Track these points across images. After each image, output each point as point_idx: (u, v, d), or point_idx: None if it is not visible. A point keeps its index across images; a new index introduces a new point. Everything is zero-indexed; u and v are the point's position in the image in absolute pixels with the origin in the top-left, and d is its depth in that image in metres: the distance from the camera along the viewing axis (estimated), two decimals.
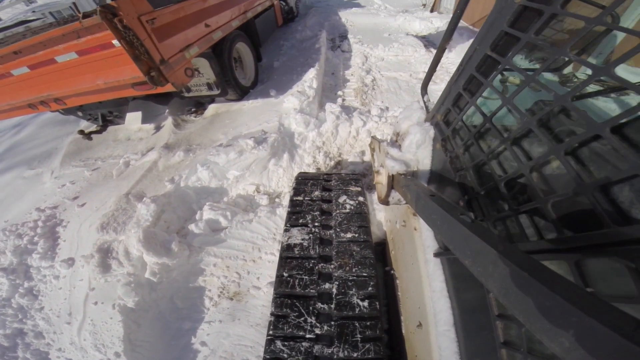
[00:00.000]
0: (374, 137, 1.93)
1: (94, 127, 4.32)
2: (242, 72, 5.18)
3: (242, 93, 5.01)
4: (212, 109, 5.12)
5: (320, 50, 5.86)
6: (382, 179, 1.62)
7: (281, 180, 3.89)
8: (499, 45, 1.07)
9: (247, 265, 2.95)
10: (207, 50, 3.82)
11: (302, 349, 1.37)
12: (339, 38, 7.30)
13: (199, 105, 5.36)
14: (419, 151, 1.58)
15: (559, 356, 0.43)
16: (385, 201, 1.66)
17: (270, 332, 1.45)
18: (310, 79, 4.68)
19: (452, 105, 1.38)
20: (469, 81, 1.25)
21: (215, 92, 4.54)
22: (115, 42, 2.55)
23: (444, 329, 1.22)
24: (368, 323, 1.43)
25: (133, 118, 5.00)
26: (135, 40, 2.50)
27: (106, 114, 4.21)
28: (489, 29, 1.10)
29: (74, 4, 2.52)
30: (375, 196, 2.74)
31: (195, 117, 5.18)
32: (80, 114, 4.22)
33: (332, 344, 1.40)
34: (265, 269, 2.92)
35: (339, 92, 4.98)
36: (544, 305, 0.47)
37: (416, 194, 1.13)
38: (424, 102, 1.72)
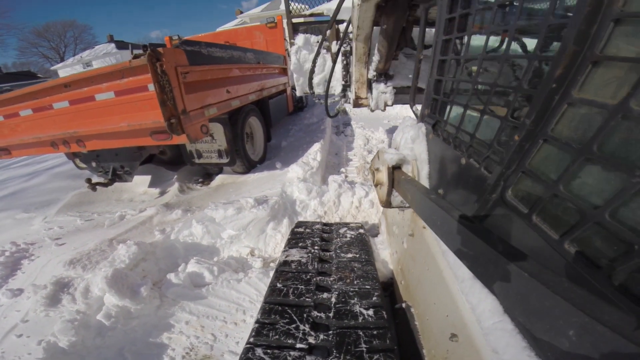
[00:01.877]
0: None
1: (102, 180, 4.41)
2: (251, 148, 5.57)
3: (250, 166, 5.26)
4: (219, 179, 5.30)
5: (325, 130, 6.43)
6: (382, 176, 1.57)
7: (278, 246, 3.64)
8: (448, 30, 1.33)
9: (226, 327, 2.48)
10: (223, 115, 4.23)
11: (289, 358, 1.11)
12: (343, 125, 8.04)
13: (207, 176, 5.58)
14: (415, 145, 1.59)
15: (559, 356, 0.44)
16: (387, 201, 1.55)
17: (251, 340, 1.24)
18: (314, 152, 4.99)
19: (434, 93, 1.50)
20: (439, 67, 1.43)
21: (225, 160, 4.78)
22: (150, 86, 2.89)
23: (493, 322, 0.88)
24: (375, 332, 1.23)
25: (141, 181, 5.16)
26: (167, 86, 2.85)
27: (117, 168, 4.35)
28: (439, 21, 1.36)
29: (131, 44, 2.97)
30: (378, 239, 2.54)
31: (201, 186, 5.31)
32: (94, 164, 4.38)
33: (329, 354, 1.15)
34: (247, 334, 2.41)
35: (342, 169, 5.21)
36: (544, 305, 0.47)
37: (417, 195, 1.12)
38: (414, 112, 1.86)
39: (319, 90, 3.55)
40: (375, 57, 2.29)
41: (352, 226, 2.33)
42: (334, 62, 3.08)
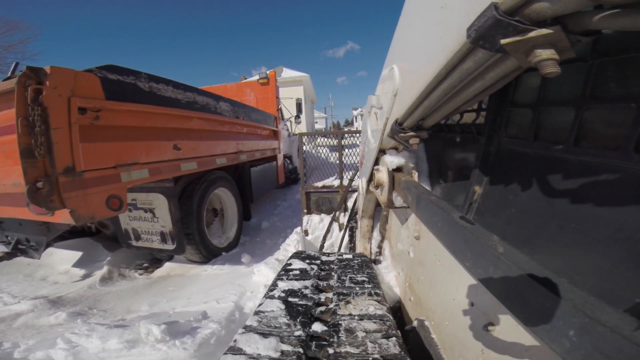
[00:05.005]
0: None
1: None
2: (219, 229, 4.30)
3: (209, 255, 3.94)
4: (166, 268, 4.00)
5: None
6: (382, 176, 1.58)
7: None
8: None
9: None
10: (168, 183, 3.13)
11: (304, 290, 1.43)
12: None
13: (155, 261, 4.28)
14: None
15: (559, 356, 0.44)
16: (389, 200, 1.53)
17: (282, 272, 1.60)
18: (294, 241, 3.64)
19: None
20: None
21: (170, 246, 3.51)
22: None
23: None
24: (368, 286, 1.50)
25: (67, 257, 4.00)
26: (39, 124, 1.84)
27: (22, 240, 3.28)
28: None
29: (17, 62, 2.26)
30: (382, 265, 2.27)
31: (140, 274, 4.00)
32: None
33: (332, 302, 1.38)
34: None
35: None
36: (544, 306, 0.47)
37: (416, 196, 1.12)
38: None
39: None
40: (377, 236, 2.44)
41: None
42: (342, 231, 3.53)
